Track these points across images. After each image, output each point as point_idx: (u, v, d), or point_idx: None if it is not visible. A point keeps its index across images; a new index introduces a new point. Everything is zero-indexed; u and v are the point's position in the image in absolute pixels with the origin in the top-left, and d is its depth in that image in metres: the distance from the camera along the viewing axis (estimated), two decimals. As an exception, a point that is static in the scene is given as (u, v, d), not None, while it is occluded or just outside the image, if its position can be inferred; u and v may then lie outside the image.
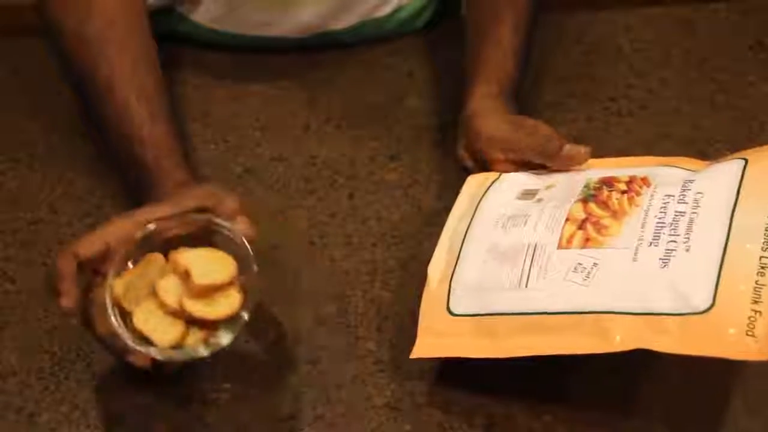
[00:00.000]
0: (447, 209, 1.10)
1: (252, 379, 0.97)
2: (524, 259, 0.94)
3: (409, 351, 0.99)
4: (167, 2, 1.22)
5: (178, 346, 0.89)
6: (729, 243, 0.89)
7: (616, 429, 0.94)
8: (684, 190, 0.95)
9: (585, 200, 0.97)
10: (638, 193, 0.96)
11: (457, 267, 0.97)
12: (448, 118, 1.19)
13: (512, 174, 1.05)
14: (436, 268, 0.98)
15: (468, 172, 1.09)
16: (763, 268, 0.87)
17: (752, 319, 0.85)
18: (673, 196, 0.94)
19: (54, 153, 1.17)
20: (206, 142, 1.18)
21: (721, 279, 0.87)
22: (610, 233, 0.93)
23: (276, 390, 0.96)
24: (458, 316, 0.94)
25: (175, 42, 1.26)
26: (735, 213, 0.91)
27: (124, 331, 0.88)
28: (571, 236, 0.94)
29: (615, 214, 0.95)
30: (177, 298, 0.89)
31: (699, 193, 0.94)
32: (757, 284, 0.87)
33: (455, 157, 1.11)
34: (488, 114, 1.08)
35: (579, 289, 0.91)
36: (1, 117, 1.21)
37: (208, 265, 0.89)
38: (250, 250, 0.90)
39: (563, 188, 1.00)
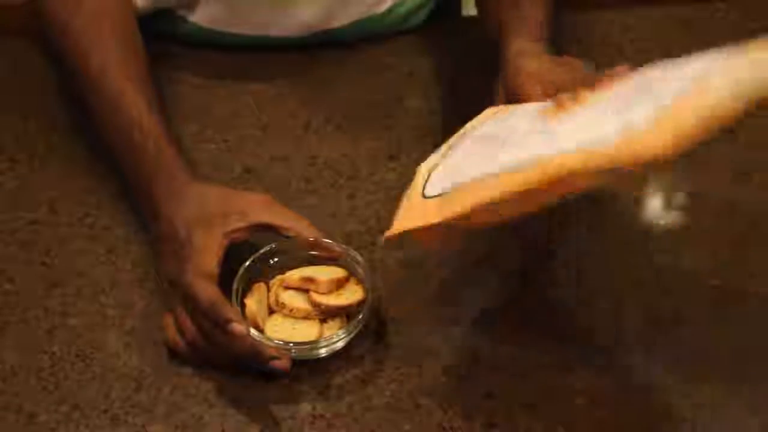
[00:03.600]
0: (447, 209, 1.10)
1: (252, 380, 0.97)
2: (500, 137, 0.93)
3: (409, 350, 0.99)
4: (165, 5, 1.22)
5: (317, 341, 0.97)
6: (689, 86, 0.84)
7: (617, 429, 0.94)
8: (669, 66, 0.90)
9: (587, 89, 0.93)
10: (630, 78, 0.92)
11: (442, 160, 0.96)
12: (448, 118, 1.19)
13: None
14: (425, 166, 0.97)
15: None
16: (721, 97, 0.81)
17: (683, 126, 0.80)
18: (657, 69, 0.90)
19: (54, 153, 1.16)
20: (206, 142, 1.18)
21: (671, 105, 0.82)
22: (585, 102, 0.90)
23: (276, 390, 0.96)
24: (429, 198, 0.93)
25: (174, 42, 1.26)
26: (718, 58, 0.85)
27: (269, 340, 0.95)
28: (548, 111, 0.91)
29: (596, 92, 0.91)
30: (305, 303, 0.98)
31: (685, 63, 0.89)
32: (711, 105, 0.81)
33: (489, 92, 1.07)
34: (530, 54, 1.05)
35: (532, 143, 0.88)
36: (1, 117, 1.21)
37: (319, 270, 1.00)
38: (362, 262, 1.00)
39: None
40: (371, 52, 1.27)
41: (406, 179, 1.13)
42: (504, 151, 0.90)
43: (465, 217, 0.89)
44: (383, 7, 1.27)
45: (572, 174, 0.83)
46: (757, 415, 0.94)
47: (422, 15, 1.30)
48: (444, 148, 0.99)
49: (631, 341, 1.00)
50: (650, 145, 0.80)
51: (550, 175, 0.83)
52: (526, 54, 1.05)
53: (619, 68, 0.98)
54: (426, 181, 0.95)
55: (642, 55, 1.26)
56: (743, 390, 0.96)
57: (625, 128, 0.82)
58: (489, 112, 1.02)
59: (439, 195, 0.92)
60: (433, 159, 0.98)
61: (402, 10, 1.28)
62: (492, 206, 0.87)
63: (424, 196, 0.93)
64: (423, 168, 0.97)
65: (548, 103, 0.95)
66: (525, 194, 0.85)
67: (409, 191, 0.96)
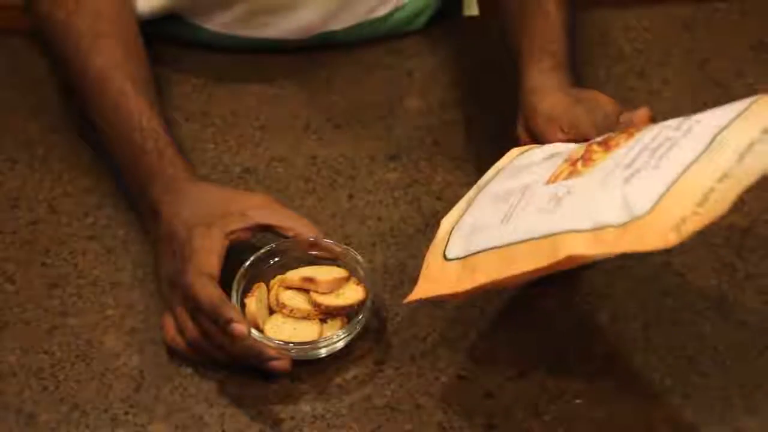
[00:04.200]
0: (447, 209, 1.09)
1: (252, 379, 0.97)
2: (514, 198, 0.93)
3: (409, 350, 0.99)
4: (168, 11, 1.21)
5: (317, 341, 0.97)
6: (700, 156, 0.84)
7: (617, 429, 0.94)
8: (684, 121, 0.90)
9: (598, 142, 0.94)
10: (639, 130, 0.92)
11: (461, 219, 0.97)
12: (448, 118, 1.19)
13: (550, 144, 1.02)
14: (447, 221, 0.98)
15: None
16: (724, 176, 0.83)
17: (685, 218, 0.81)
18: (671, 126, 0.90)
19: (54, 153, 1.16)
20: (206, 142, 1.18)
21: (671, 188, 0.83)
22: (594, 164, 0.91)
23: (276, 390, 0.96)
24: (450, 260, 0.94)
25: (175, 43, 1.26)
26: (722, 132, 0.86)
27: (269, 340, 0.95)
28: (560, 172, 0.92)
29: (608, 148, 0.92)
30: (305, 303, 0.98)
31: (697, 121, 0.89)
32: (710, 190, 0.82)
33: (513, 136, 1.06)
34: (544, 91, 1.04)
35: (546, 217, 0.89)
36: (1, 117, 1.21)
37: (320, 270, 0.99)
38: (362, 262, 1.00)
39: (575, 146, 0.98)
40: (371, 52, 1.27)
41: (406, 179, 1.13)
42: (519, 219, 0.91)
43: (482, 287, 0.91)
44: (383, 12, 1.27)
45: (582, 257, 0.86)
46: (757, 415, 0.94)
47: (422, 20, 1.29)
48: (464, 202, 0.99)
49: (630, 341, 0.99)
50: (655, 235, 0.82)
51: (558, 260, 0.86)
52: (542, 91, 1.04)
53: (640, 112, 0.98)
54: (447, 242, 0.95)
55: (642, 55, 1.26)
56: (743, 390, 0.96)
57: (631, 215, 0.84)
58: (513, 152, 1.03)
59: (459, 259, 0.93)
60: (454, 214, 0.99)
61: (402, 15, 1.28)
62: (507, 279, 0.89)
63: (446, 258, 0.94)
64: (445, 223, 0.98)
65: (561, 150, 0.97)
66: (539, 270, 0.87)
67: (432, 248, 0.97)
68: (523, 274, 0.88)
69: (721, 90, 1.21)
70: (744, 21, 1.29)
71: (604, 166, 0.90)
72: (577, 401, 0.95)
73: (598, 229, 0.85)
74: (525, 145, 1.05)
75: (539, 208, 0.90)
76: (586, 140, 0.98)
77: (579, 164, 0.92)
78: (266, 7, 1.22)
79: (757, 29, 1.28)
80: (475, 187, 1.01)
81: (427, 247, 1.06)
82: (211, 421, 0.95)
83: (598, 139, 0.95)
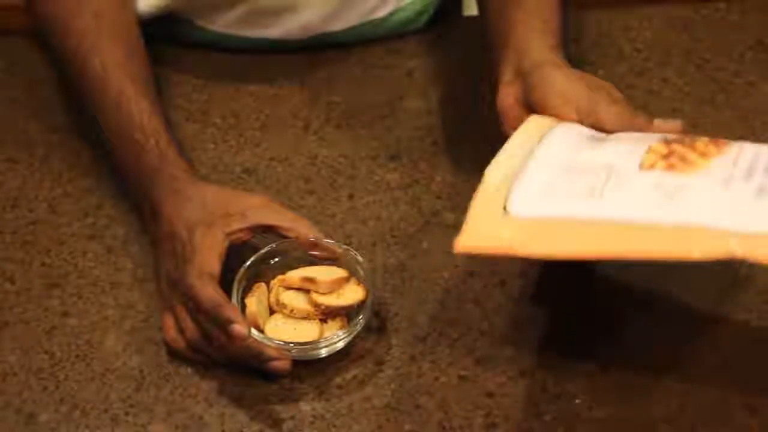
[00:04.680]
0: (447, 209, 1.10)
1: (252, 379, 0.97)
2: (599, 175, 0.89)
3: (409, 350, 0.99)
4: (168, 11, 1.21)
5: (317, 341, 0.97)
6: None
7: (617, 429, 0.94)
8: None
9: (667, 141, 0.92)
10: (725, 143, 0.91)
11: (520, 175, 0.91)
12: (448, 118, 1.19)
13: (574, 124, 0.98)
14: (495, 173, 0.92)
15: (503, 131, 1.03)
16: None
17: None
18: (762, 153, 0.89)
19: (54, 153, 1.16)
20: (206, 142, 1.18)
21: None
22: (697, 166, 0.88)
23: (276, 390, 0.96)
24: (515, 217, 0.88)
25: (175, 43, 1.26)
26: None
27: (270, 340, 0.95)
28: (653, 163, 0.89)
29: (703, 155, 0.89)
30: (305, 303, 0.98)
31: None
32: None
33: (497, 106, 1.03)
34: (556, 68, 1.01)
35: (661, 204, 0.85)
36: (1, 117, 1.21)
37: (320, 270, 0.99)
38: (362, 263, 1.00)
39: (634, 138, 0.95)
40: (371, 52, 1.27)
41: (406, 179, 1.13)
42: (617, 198, 0.87)
43: (559, 256, 0.87)
44: (383, 13, 1.27)
45: (741, 257, 0.82)
46: (757, 415, 0.94)
47: (422, 21, 1.29)
48: (510, 157, 0.93)
49: (631, 341, 1.00)
50: None
51: (708, 252, 0.82)
52: (549, 64, 1.01)
53: (674, 124, 0.97)
54: (507, 194, 0.90)
55: (642, 55, 1.26)
56: (743, 390, 0.96)
57: None
58: (534, 120, 0.98)
59: (530, 218, 0.87)
60: (504, 165, 0.93)
61: (402, 15, 1.28)
62: (596, 255, 0.87)
63: (507, 212, 0.89)
64: (493, 176, 0.92)
65: (642, 142, 0.93)
66: (651, 257, 0.84)
67: (480, 196, 0.90)
68: (626, 256, 0.85)
69: (721, 90, 1.21)
70: (744, 21, 1.29)
71: (712, 172, 0.88)
72: (577, 401, 0.95)
73: (752, 235, 0.82)
74: (513, 115, 1.01)
75: (646, 192, 0.87)
76: (596, 128, 0.97)
77: (675, 160, 0.89)
78: (267, 7, 1.22)
79: (757, 29, 1.28)
80: (510, 142, 0.95)
81: (428, 246, 1.06)
82: (211, 421, 0.95)
83: (672, 137, 0.93)
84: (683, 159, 0.90)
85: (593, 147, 0.94)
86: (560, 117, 0.99)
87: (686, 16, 1.30)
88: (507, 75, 1.03)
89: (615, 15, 1.30)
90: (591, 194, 0.88)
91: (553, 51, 1.03)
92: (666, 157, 0.90)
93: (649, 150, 0.91)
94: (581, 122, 0.98)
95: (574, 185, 0.89)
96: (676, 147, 0.91)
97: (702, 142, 0.91)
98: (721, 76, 1.23)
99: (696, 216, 0.84)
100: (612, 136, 0.95)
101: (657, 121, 0.97)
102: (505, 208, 0.89)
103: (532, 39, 1.04)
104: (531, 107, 1.00)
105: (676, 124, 0.97)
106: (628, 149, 0.92)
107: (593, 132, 0.97)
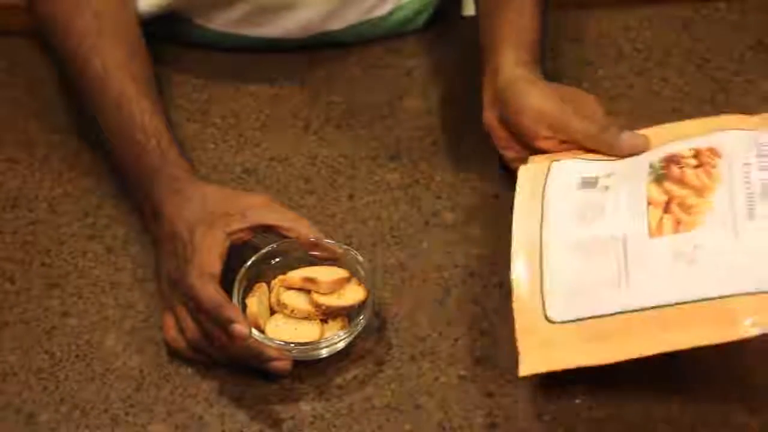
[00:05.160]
0: (447, 209, 1.10)
1: (252, 379, 0.97)
2: (616, 253, 0.92)
3: (409, 350, 0.99)
4: (168, 10, 1.21)
5: (318, 341, 0.97)
6: None
7: (616, 429, 0.94)
8: (761, 156, 0.91)
9: (658, 181, 0.94)
10: (713, 166, 0.93)
11: (544, 273, 0.93)
12: (448, 118, 1.19)
13: (564, 162, 1.01)
14: (520, 279, 0.94)
15: (491, 143, 1.08)
16: None
17: None
18: (751, 164, 0.91)
19: (54, 153, 1.16)
20: (206, 142, 1.18)
21: None
22: (699, 211, 0.90)
23: (276, 390, 0.96)
24: (560, 323, 0.90)
25: (175, 43, 1.26)
26: None
27: (270, 340, 0.95)
28: (660, 222, 0.91)
29: (698, 191, 0.92)
30: (306, 303, 0.98)
31: None
32: None
33: (484, 126, 1.07)
34: (528, 84, 1.04)
35: (687, 276, 0.87)
36: (1, 117, 1.21)
37: (320, 270, 0.99)
38: (363, 263, 1.00)
39: (626, 172, 0.98)
40: (371, 52, 1.27)
41: (406, 179, 1.13)
42: (639, 282, 0.89)
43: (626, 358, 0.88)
44: (382, 11, 1.27)
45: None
46: (757, 415, 0.94)
47: (421, 20, 1.29)
48: (519, 246, 0.96)
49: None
50: None
51: (748, 331, 0.84)
52: (523, 83, 1.04)
53: (643, 136, 0.99)
54: (543, 302, 0.92)
55: (642, 55, 1.26)
56: (743, 390, 0.96)
57: None
58: (525, 174, 1.01)
59: (575, 322, 0.90)
60: (521, 268, 0.95)
61: (401, 14, 1.28)
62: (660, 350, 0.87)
63: (550, 321, 0.91)
64: (517, 283, 0.94)
65: (595, 173, 0.97)
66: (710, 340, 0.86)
67: (519, 307, 0.92)
68: (697, 344, 0.85)
69: (721, 90, 1.21)
70: (744, 21, 1.29)
71: (717, 215, 0.89)
72: (577, 401, 0.95)
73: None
74: (496, 133, 1.06)
75: (669, 266, 0.88)
76: (570, 142, 1.01)
77: (677, 212, 0.91)
78: (266, 6, 1.22)
79: (757, 29, 1.28)
80: (516, 219, 0.97)
81: (428, 246, 1.06)
82: (211, 421, 0.95)
83: (661, 170, 0.95)
84: (684, 207, 0.91)
85: (593, 208, 0.96)
86: (531, 136, 1.02)
87: (686, 16, 1.30)
88: (487, 95, 1.07)
89: (615, 15, 1.30)
90: (618, 281, 0.90)
91: (526, 66, 1.06)
92: (667, 209, 0.92)
93: (649, 203, 0.93)
94: (554, 138, 1.01)
95: (595, 272, 0.91)
96: (671, 188, 0.93)
97: (692, 174, 0.93)
98: (721, 76, 1.23)
99: (725, 283, 0.86)
100: (601, 180, 0.98)
101: (624, 136, 1.00)
102: (547, 318, 0.91)
103: (506, 55, 1.06)
104: (508, 126, 1.04)
105: (642, 139, 1.00)
106: (628, 206, 0.94)
107: (583, 172, 0.99)
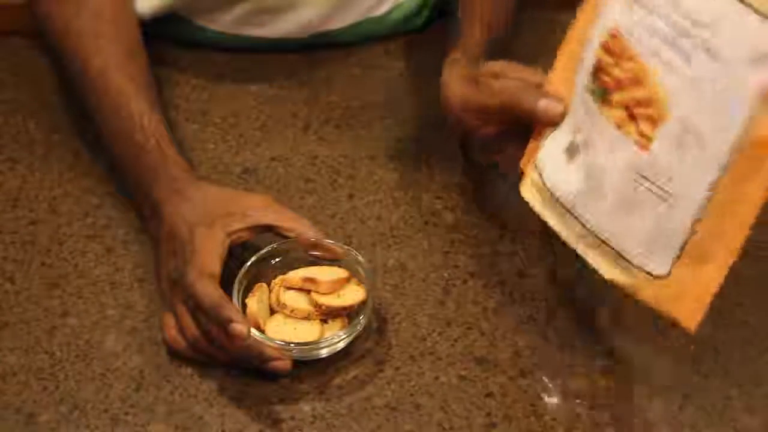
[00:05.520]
0: (447, 209, 1.10)
1: (252, 379, 0.97)
2: (642, 190, 0.90)
3: (409, 350, 0.99)
4: (168, 10, 1.21)
5: (318, 341, 0.97)
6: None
7: (616, 429, 0.94)
8: (643, 6, 0.89)
9: (604, 100, 0.92)
10: (625, 48, 0.90)
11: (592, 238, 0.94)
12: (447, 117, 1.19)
13: (540, 157, 0.99)
14: (581, 246, 0.95)
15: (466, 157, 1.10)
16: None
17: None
18: (645, 19, 0.89)
19: (54, 153, 1.17)
20: (206, 142, 1.18)
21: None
22: (655, 97, 0.88)
23: (276, 390, 0.96)
24: (668, 276, 0.90)
25: (175, 43, 1.26)
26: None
27: (270, 340, 0.95)
28: (640, 133, 0.89)
29: (638, 81, 0.89)
30: (306, 303, 0.98)
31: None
32: None
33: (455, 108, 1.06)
34: (450, 80, 1.05)
35: (702, 152, 0.86)
36: (1, 117, 1.21)
37: (321, 270, 0.99)
38: (363, 263, 1.00)
39: (581, 112, 0.95)
40: (370, 52, 1.27)
41: (406, 179, 1.13)
42: (677, 185, 0.88)
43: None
44: (382, 10, 1.27)
45: None
46: (757, 415, 0.94)
47: (421, 18, 1.30)
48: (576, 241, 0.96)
49: (631, 342, 1.00)
50: None
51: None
52: (447, 81, 1.06)
53: (558, 106, 0.97)
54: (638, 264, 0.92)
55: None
56: (743, 390, 0.96)
57: None
58: (526, 192, 1.00)
59: (674, 263, 0.89)
60: (577, 239, 0.95)
61: (400, 13, 1.28)
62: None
63: (655, 276, 0.90)
64: (588, 253, 0.95)
65: (568, 132, 0.96)
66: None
67: (627, 280, 0.92)
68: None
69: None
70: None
71: (669, 86, 0.87)
72: (577, 401, 0.95)
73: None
74: (462, 145, 1.09)
75: (682, 156, 0.87)
76: (506, 122, 1.00)
77: (641, 111, 0.89)
78: (266, 6, 1.22)
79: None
80: (563, 233, 0.97)
81: (428, 246, 1.06)
82: (211, 421, 0.95)
83: (601, 89, 0.93)
84: (642, 103, 0.90)
85: (592, 173, 0.95)
86: (470, 127, 1.03)
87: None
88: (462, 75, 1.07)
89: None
90: (667, 206, 0.89)
91: (452, 65, 1.07)
92: (632, 116, 0.90)
93: (618, 126, 0.91)
94: (486, 124, 1.02)
95: (650, 221, 0.90)
96: (619, 98, 0.91)
97: (620, 71, 0.91)
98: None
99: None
100: (577, 138, 0.96)
101: (541, 104, 0.97)
102: (652, 275, 0.91)
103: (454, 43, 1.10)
104: (458, 133, 1.07)
105: (559, 107, 0.97)
106: (610, 144, 0.92)
107: (561, 145, 0.97)
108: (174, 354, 0.98)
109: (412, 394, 0.96)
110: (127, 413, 0.95)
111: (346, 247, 1.01)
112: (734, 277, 1.04)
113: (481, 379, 0.97)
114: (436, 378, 0.97)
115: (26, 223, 1.10)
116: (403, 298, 1.03)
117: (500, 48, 1.11)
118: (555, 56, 0.98)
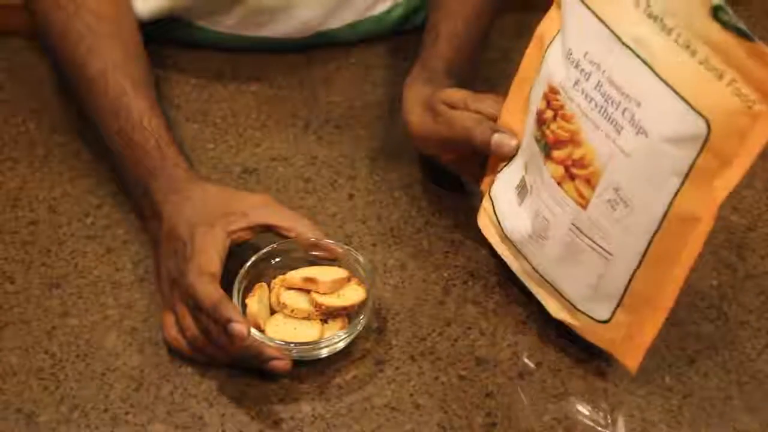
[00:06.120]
0: (447, 209, 1.10)
1: (252, 379, 0.97)
2: (580, 246, 0.93)
3: (409, 350, 0.99)
4: (167, 13, 1.21)
5: (318, 341, 0.97)
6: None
7: (616, 429, 0.94)
8: (577, 68, 0.91)
9: (547, 154, 0.94)
10: (561, 105, 0.92)
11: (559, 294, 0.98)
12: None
13: (496, 183, 1.02)
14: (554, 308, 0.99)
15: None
16: None
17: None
18: (578, 80, 0.90)
19: (54, 153, 1.16)
20: (206, 142, 1.18)
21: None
22: (589, 159, 0.90)
23: (276, 390, 0.96)
24: (607, 321, 0.94)
25: (174, 43, 1.26)
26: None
27: (270, 340, 0.95)
28: (578, 192, 0.92)
29: (573, 141, 0.91)
30: (306, 303, 0.98)
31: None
32: None
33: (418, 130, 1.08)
34: (409, 104, 1.08)
35: (630, 215, 0.89)
36: (1, 117, 1.21)
37: (321, 270, 0.99)
38: (363, 263, 1.00)
39: (529, 156, 0.98)
40: (370, 51, 1.27)
41: (406, 179, 1.13)
42: (613, 242, 0.91)
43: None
44: (381, 9, 1.27)
45: None
46: (757, 415, 0.94)
47: (421, 17, 1.29)
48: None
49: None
50: None
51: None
52: (406, 108, 1.08)
53: (510, 140, 1.00)
54: (577, 311, 0.96)
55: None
56: (743, 390, 0.96)
57: None
58: (482, 223, 1.04)
59: (614, 313, 0.93)
60: (527, 276, 1.00)
61: (400, 12, 1.28)
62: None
63: (598, 321, 0.94)
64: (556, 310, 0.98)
65: (518, 170, 0.99)
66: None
67: (575, 321, 0.96)
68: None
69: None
70: (743, 21, 1.29)
71: (601, 153, 0.89)
72: (577, 401, 0.95)
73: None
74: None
75: (615, 219, 0.89)
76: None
77: (578, 172, 0.91)
78: (266, 7, 1.22)
79: (762, 34, 1.28)
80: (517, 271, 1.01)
81: (428, 246, 1.06)
82: (211, 421, 0.95)
83: (544, 141, 0.95)
84: (578, 164, 0.92)
85: (538, 221, 0.97)
86: (432, 156, 1.08)
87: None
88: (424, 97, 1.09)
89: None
90: (606, 263, 0.92)
91: (407, 88, 1.09)
92: (571, 175, 0.93)
93: (558, 182, 0.93)
94: (445, 156, 1.07)
95: (585, 275, 0.94)
96: (557, 155, 0.94)
97: (557, 128, 0.93)
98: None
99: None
100: (526, 178, 0.99)
101: (495, 138, 1.00)
102: (596, 321, 0.95)
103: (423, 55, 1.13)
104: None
105: (513, 140, 1.00)
106: (552, 198, 0.94)
107: (513, 181, 1.00)
108: (174, 354, 0.98)
109: (412, 394, 0.96)
110: (127, 413, 0.95)
111: (346, 247, 1.01)
112: (734, 277, 1.04)
113: (481, 379, 0.97)
114: (436, 378, 0.97)
115: (26, 223, 1.10)
116: (403, 298, 1.03)
117: (468, 66, 1.12)
118: (518, 64, 1.00)
